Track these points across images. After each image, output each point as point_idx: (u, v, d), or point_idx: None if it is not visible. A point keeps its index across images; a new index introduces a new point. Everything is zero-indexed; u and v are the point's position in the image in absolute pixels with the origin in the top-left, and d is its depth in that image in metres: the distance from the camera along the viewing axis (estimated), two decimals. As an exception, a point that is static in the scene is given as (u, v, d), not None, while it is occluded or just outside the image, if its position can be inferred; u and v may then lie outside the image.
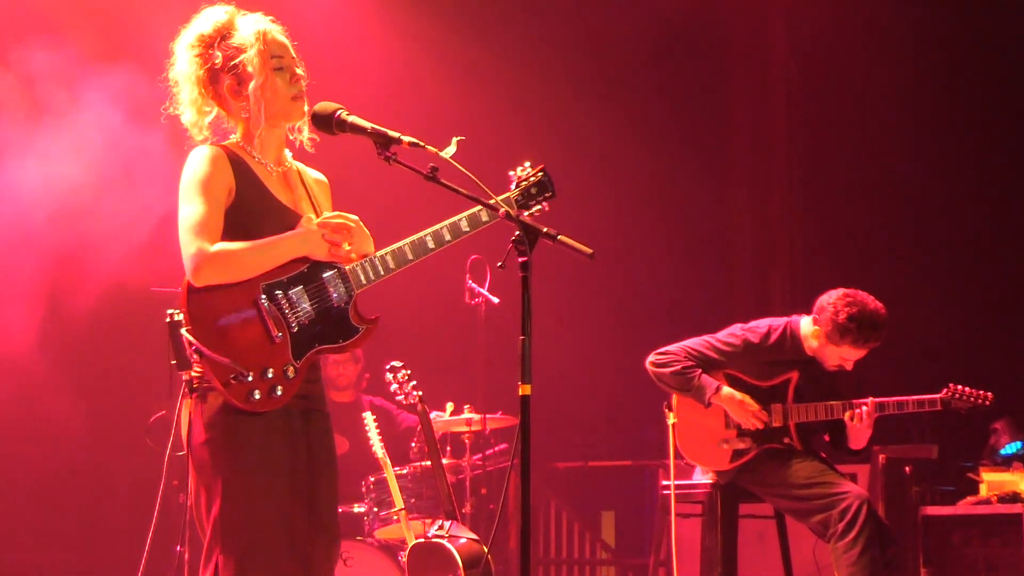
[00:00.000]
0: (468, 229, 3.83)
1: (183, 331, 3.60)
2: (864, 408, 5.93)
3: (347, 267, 3.79)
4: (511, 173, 3.94)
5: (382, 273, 3.79)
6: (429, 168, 3.65)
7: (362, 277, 3.79)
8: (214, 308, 3.64)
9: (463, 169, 3.57)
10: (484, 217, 3.82)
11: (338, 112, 3.77)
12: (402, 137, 3.68)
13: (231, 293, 3.66)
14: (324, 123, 3.79)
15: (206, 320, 3.62)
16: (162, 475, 3.81)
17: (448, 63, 9.09)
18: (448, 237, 3.82)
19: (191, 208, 3.68)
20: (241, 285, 3.66)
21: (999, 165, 9.50)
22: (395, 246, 3.81)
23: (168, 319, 3.61)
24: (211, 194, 3.70)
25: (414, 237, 3.81)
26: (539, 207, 3.93)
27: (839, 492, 5.83)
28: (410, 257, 3.79)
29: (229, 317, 3.64)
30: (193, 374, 3.67)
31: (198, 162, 3.75)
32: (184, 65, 3.84)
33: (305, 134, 3.93)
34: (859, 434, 6.01)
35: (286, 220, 3.80)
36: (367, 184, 6.84)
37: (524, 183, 3.93)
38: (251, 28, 3.80)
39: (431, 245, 3.80)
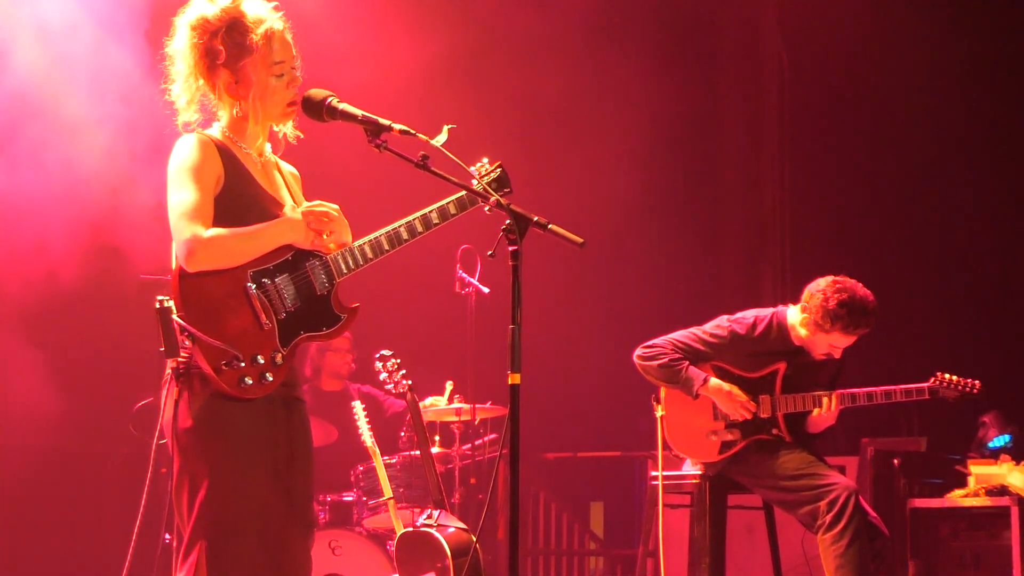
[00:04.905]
0: (438, 221, 3.89)
1: (175, 317, 3.60)
2: (832, 400, 5.93)
3: (329, 256, 3.82)
4: (471, 169, 3.95)
5: (361, 262, 3.83)
6: (420, 156, 3.66)
7: (343, 266, 3.82)
8: (205, 294, 3.64)
9: (454, 157, 3.57)
10: (452, 210, 3.89)
11: (328, 99, 3.78)
12: (393, 125, 3.69)
13: (221, 280, 3.66)
14: (314, 110, 3.80)
15: (197, 306, 3.62)
16: (149, 463, 3.78)
17: (439, 52, 9.06)
18: (420, 228, 3.87)
19: (183, 194, 3.68)
20: (230, 272, 3.67)
21: (990, 158, 9.51)
22: (372, 236, 3.85)
23: (158, 305, 3.58)
24: (202, 181, 3.69)
25: (388, 228, 3.86)
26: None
27: (827, 484, 5.84)
28: (386, 247, 3.84)
29: (219, 304, 3.65)
30: (180, 360, 3.65)
31: (187, 150, 3.73)
32: (182, 46, 3.80)
33: (288, 127, 3.93)
34: (821, 422, 6.04)
35: (271, 209, 3.81)
36: (341, 173, 6.85)
37: (484, 179, 3.95)
38: (259, 27, 3.76)
39: (405, 236, 3.86)
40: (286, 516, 3.73)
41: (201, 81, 3.80)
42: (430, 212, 3.88)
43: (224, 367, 3.60)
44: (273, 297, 3.71)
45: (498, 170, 3.98)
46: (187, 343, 3.60)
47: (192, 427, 3.64)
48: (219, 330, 3.62)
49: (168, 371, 3.70)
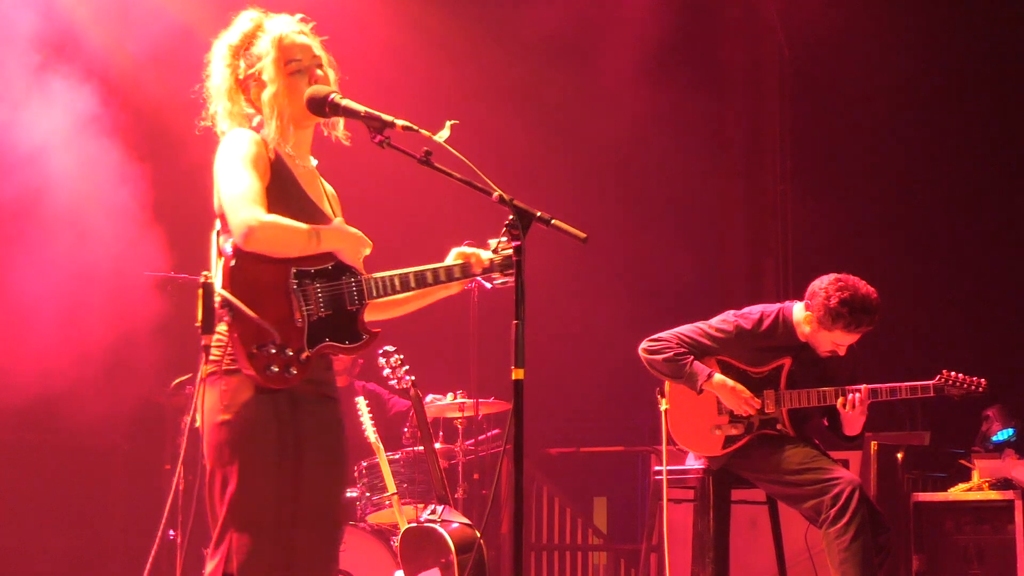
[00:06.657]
0: (459, 275, 3.98)
1: (219, 290, 3.62)
2: (856, 395, 5.93)
3: (364, 277, 3.87)
4: (490, 242, 3.98)
5: (388, 292, 3.90)
6: (423, 152, 3.68)
7: (374, 290, 3.88)
8: (252, 279, 3.69)
9: (457, 153, 3.58)
10: (457, 273, 3.98)
11: (331, 95, 3.82)
12: (396, 121, 3.72)
13: (267, 269, 3.71)
14: (317, 106, 3.85)
15: (241, 287, 3.66)
16: (179, 452, 3.83)
17: (444, 47, 9.06)
18: (443, 278, 3.97)
19: (240, 178, 3.73)
20: (275, 264, 3.73)
21: (993, 153, 9.49)
22: (403, 271, 3.90)
23: (202, 279, 3.62)
24: (257, 168, 3.77)
25: (419, 268, 3.94)
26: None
27: (831, 478, 5.84)
28: (412, 285, 3.92)
29: (262, 290, 3.70)
30: (215, 340, 3.69)
31: (240, 140, 3.81)
32: (217, 78, 3.93)
33: (340, 130, 4.01)
34: (853, 421, 6.02)
35: (314, 216, 3.87)
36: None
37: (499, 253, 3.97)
38: (271, 35, 3.88)
39: (429, 280, 3.95)
40: (300, 510, 3.76)
41: (239, 101, 3.91)
42: (454, 265, 3.97)
43: (255, 351, 3.64)
44: (310, 298, 3.76)
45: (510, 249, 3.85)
46: (226, 317, 3.62)
47: (224, 421, 3.69)
48: (259, 314, 3.66)
49: (202, 369, 3.73)
